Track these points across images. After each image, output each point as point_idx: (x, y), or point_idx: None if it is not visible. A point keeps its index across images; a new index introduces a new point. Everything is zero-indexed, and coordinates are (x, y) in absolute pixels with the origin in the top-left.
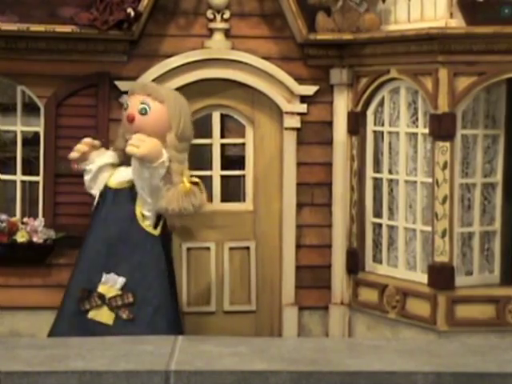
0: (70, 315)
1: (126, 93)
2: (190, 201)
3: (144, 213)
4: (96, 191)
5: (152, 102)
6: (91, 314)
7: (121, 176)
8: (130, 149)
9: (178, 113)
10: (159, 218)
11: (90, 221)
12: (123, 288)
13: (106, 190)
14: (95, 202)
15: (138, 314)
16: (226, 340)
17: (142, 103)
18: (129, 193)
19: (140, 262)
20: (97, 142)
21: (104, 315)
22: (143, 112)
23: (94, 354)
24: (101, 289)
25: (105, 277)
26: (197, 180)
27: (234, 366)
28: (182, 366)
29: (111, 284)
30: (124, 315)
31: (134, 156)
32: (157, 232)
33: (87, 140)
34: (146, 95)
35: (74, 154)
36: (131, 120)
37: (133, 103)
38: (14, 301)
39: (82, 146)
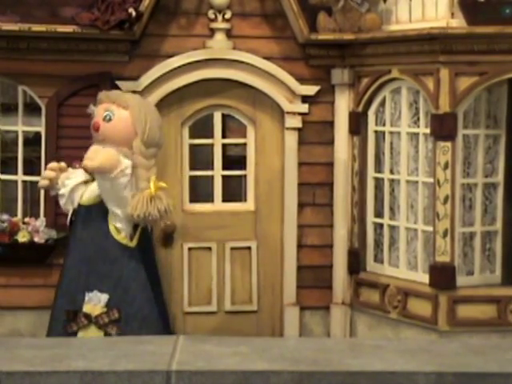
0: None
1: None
2: (155, 206)
3: (117, 226)
4: None
5: (116, 108)
6: (80, 335)
7: (91, 192)
8: (84, 162)
9: (144, 118)
10: (135, 228)
11: (68, 240)
12: (108, 304)
13: (79, 207)
14: (68, 221)
15: (126, 329)
16: (227, 340)
17: (107, 110)
18: (100, 207)
19: (120, 277)
20: (63, 165)
21: (93, 334)
22: (107, 119)
23: (96, 354)
24: (86, 308)
25: (88, 296)
26: (163, 185)
27: (235, 365)
28: (183, 366)
29: (95, 302)
30: (113, 331)
31: (87, 168)
32: (133, 243)
33: (53, 165)
34: (111, 103)
35: (43, 183)
36: (96, 128)
37: (98, 112)
38: (15, 301)
39: (49, 172)
